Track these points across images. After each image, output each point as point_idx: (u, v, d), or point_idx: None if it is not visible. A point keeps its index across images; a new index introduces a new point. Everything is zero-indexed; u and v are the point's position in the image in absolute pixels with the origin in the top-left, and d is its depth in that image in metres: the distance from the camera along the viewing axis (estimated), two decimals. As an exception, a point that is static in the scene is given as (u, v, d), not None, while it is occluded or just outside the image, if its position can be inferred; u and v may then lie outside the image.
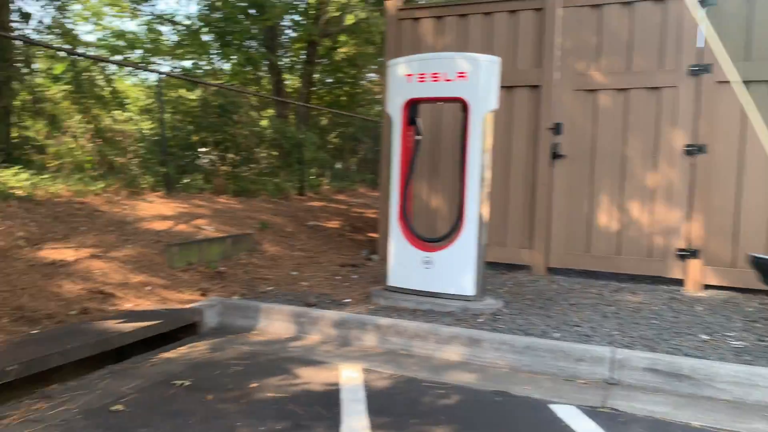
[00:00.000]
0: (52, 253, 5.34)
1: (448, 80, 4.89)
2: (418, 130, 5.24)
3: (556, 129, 6.49)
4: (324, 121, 18.33)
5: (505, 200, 6.74)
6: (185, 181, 9.07)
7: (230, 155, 10.73)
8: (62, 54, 14.21)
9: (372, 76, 22.85)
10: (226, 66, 17.96)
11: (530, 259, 6.64)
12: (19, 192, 6.52)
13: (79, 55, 10.85)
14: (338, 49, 19.12)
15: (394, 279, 5.17)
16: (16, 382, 3.38)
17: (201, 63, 17.51)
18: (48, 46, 10.48)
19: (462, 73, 4.83)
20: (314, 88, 19.05)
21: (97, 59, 11.26)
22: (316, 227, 8.65)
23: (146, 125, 12.12)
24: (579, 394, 3.62)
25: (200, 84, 11.92)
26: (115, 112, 12.52)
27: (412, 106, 5.14)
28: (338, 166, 16.54)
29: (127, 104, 14.18)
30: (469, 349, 4.20)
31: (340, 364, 4.05)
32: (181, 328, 4.74)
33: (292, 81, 20.00)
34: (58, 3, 12.31)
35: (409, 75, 5.02)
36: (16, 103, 10.15)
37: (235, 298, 5.27)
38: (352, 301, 5.19)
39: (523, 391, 3.62)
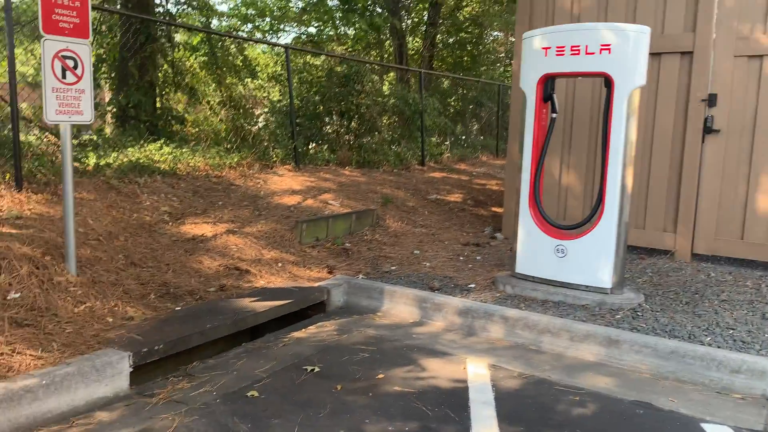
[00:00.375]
0: (192, 228, 5.67)
1: (590, 53, 4.47)
2: (553, 106, 4.87)
3: (710, 100, 5.80)
4: (445, 84, 17.96)
5: (646, 179, 6.19)
6: (313, 152, 9.26)
7: (354, 125, 10.82)
8: (199, 26, 14.95)
9: (496, 34, 21.98)
10: (350, 32, 18.08)
11: (673, 243, 6.09)
12: (163, 166, 6.97)
13: (214, 32, 11.31)
14: (462, 9, 18.51)
15: (522, 266, 4.94)
16: (161, 359, 3.63)
17: (325, 30, 17.71)
18: (187, 27, 11.02)
19: (606, 45, 4.39)
20: (436, 50, 18.66)
21: (228, 35, 11.67)
22: (438, 201, 8.52)
23: (275, 93, 12.51)
24: (735, 412, 3.25)
25: (325, 55, 12.00)
26: (247, 80, 13.07)
27: (548, 82, 4.78)
28: (459, 131, 16.19)
29: (257, 72, 14.74)
30: (605, 350, 3.92)
31: (466, 357, 3.94)
32: (310, 306, 4.87)
33: (413, 43, 19.74)
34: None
35: (546, 48, 4.66)
36: (159, 75, 10.85)
37: (360, 277, 5.31)
38: (476, 287, 5.04)
39: (668, 404, 3.32)
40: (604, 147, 4.53)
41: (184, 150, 7.70)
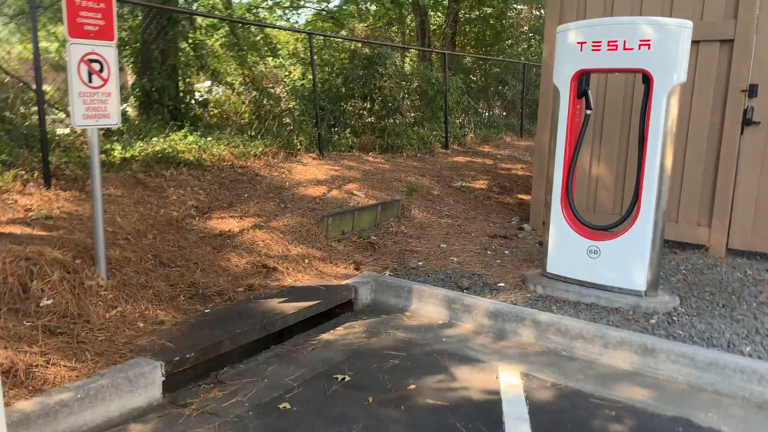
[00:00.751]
0: (219, 223, 5.66)
1: (627, 49, 4.29)
2: (588, 103, 4.72)
3: (751, 91, 5.57)
4: (467, 62, 17.63)
5: (680, 171, 6.01)
6: (336, 137, 9.17)
7: (376, 108, 10.68)
8: (220, 6, 14.77)
9: (520, 7, 21.46)
10: (372, 7, 17.77)
11: (707, 238, 5.93)
12: (188, 156, 6.95)
13: (236, 21, 11.19)
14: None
15: (554, 266, 4.84)
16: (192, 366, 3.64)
17: (348, 7, 17.44)
18: (208, 15, 10.91)
19: (645, 41, 4.21)
20: (458, 26, 18.29)
21: (250, 23, 11.54)
22: (463, 189, 8.40)
23: (296, 72, 12.37)
24: (777, 429, 3.17)
25: (348, 40, 11.80)
26: (268, 59, 12.95)
27: (583, 78, 4.61)
28: (482, 110, 15.93)
29: (278, 50, 14.60)
30: (640, 358, 3.84)
31: (497, 364, 3.89)
32: (338, 305, 4.85)
33: (435, 19, 19.36)
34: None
35: (581, 42, 4.48)
36: (181, 57, 10.79)
37: (387, 274, 5.27)
38: (506, 286, 4.96)
39: (708, 420, 3.24)
40: (641, 147, 4.38)
41: (208, 138, 7.66)
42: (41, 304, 3.71)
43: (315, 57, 9.97)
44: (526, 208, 7.53)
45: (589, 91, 4.69)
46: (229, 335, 3.90)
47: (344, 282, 5.05)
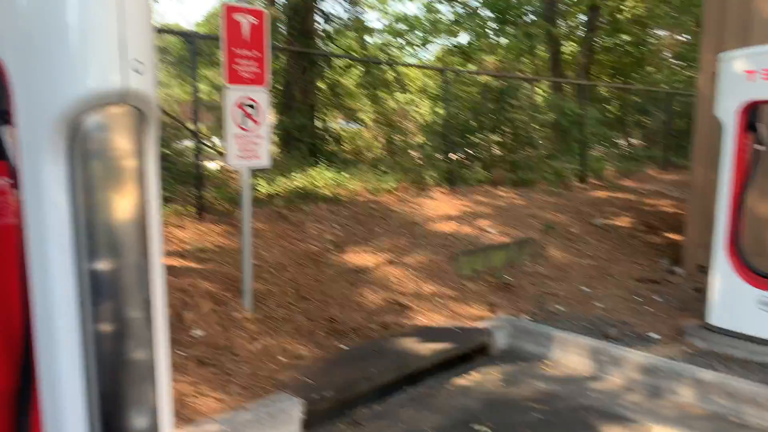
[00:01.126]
0: (354, 257, 5.74)
1: (809, 77, 3.81)
2: (759, 137, 4.23)
3: None
4: (604, 91, 16.87)
5: None
6: (466, 172, 9.08)
7: (508, 142, 10.47)
8: (355, 46, 15.37)
9: (662, 33, 20.26)
10: (502, 40, 17.65)
11: None
12: (326, 191, 7.18)
13: (375, 61, 11.59)
14: (624, 11, 17.28)
15: (717, 317, 4.34)
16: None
17: (478, 41, 17.45)
18: (347, 57, 11.41)
19: (833, 67, 3.71)
20: (594, 55, 17.61)
21: (387, 63, 11.87)
22: (604, 226, 7.91)
23: (425, 107, 12.48)
24: None
25: (484, 74, 11.76)
26: (398, 94, 13.21)
27: (753, 110, 4.16)
28: (621, 142, 15.09)
29: (408, 86, 14.89)
30: (833, 435, 3.29)
31: (652, 425, 3.52)
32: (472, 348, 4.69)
33: (569, 47, 18.80)
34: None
35: (751, 72, 4.05)
36: (318, 96, 11.33)
37: (524, 318, 5.02)
38: (659, 337, 4.53)
39: None
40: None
41: (344, 174, 7.89)
42: (193, 335, 3.92)
43: (445, 91, 10.04)
44: (677, 249, 6.91)
45: (760, 125, 4.21)
46: (365, 375, 3.88)
47: (479, 325, 4.88)
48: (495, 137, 10.46)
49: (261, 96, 4.19)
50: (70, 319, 1.10)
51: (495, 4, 14.74)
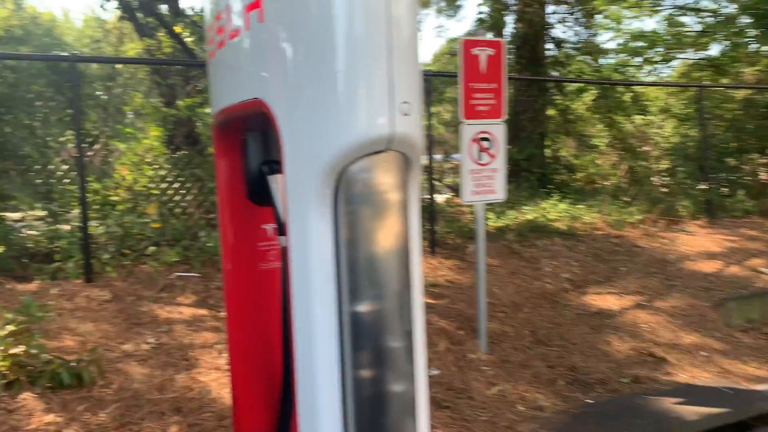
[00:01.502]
0: (595, 299, 5.23)
1: None
2: None
3: None
4: None
5: None
6: (728, 201, 7.85)
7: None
8: (586, 69, 14.61)
9: None
10: (765, 48, 15.24)
11: None
12: (559, 225, 6.76)
13: (614, 83, 10.88)
14: None
15: None
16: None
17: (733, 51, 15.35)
18: (584, 81, 10.85)
19: None
20: None
21: (627, 83, 11.06)
22: None
23: (669, 128, 11.25)
24: None
25: (740, 87, 10.23)
26: (636, 117, 12.09)
27: None
28: None
29: (648, 106, 13.57)
30: None
31: None
32: (753, 416, 3.87)
33: None
34: (585, 22, 12.66)
35: None
36: (548, 124, 10.90)
37: (823, 383, 4.02)
38: None
39: None
40: None
41: (579, 206, 7.37)
42: (430, 373, 3.85)
43: (698, 110, 8.86)
44: None
45: None
46: (617, 437, 3.40)
47: (758, 387, 4.04)
48: (762, 159, 8.94)
49: (497, 129, 4.04)
50: (330, 360, 1.07)
51: (756, 7, 12.78)
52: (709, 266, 5.83)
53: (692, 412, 3.69)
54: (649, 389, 4.02)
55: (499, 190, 4.10)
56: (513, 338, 4.44)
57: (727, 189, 8.37)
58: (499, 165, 4.08)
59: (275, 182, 1.54)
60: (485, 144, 4.02)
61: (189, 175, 5.73)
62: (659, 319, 4.93)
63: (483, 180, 4.03)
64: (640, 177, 9.37)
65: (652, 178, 9.00)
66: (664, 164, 9.52)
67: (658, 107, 14.09)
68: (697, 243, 6.44)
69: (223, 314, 4.38)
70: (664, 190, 8.14)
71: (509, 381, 3.97)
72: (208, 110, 6.85)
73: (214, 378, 3.52)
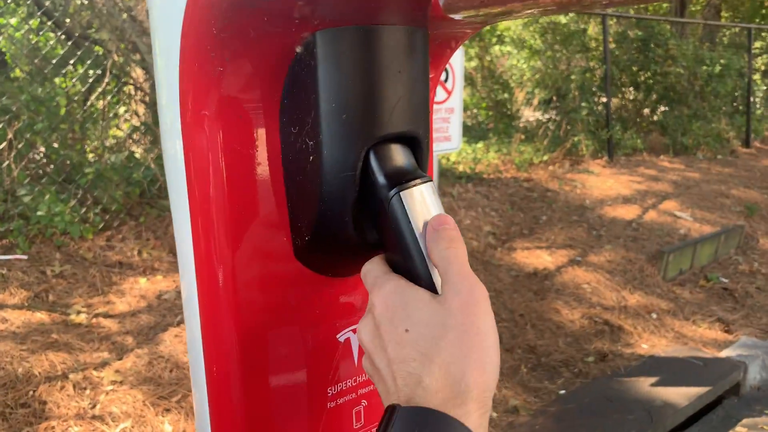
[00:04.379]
0: (527, 256, 4.63)
1: None
2: None
3: None
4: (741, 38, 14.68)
5: None
6: (619, 138, 7.68)
7: (652, 99, 8.93)
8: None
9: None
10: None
11: None
12: (462, 167, 6.07)
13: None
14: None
15: None
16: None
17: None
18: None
19: None
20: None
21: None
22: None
23: (518, 59, 10.97)
24: None
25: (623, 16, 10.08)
26: (495, 47, 11.70)
27: None
28: None
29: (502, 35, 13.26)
30: None
31: None
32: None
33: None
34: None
35: None
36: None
37: (775, 341, 3.80)
38: None
39: None
40: None
41: (478, 145, 6.73)
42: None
43: (571, 43, 8.55)
44: None
45: None
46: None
47: (722, 354, 3.70)
48: (638, 95, 8.96)
49: (456, 56, 3.06)
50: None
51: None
52: (627, 212, 5.50)
53: (674, 393, 3.23)
54: (618, 368, 3.50)
55: (455, 137, 3.17)
56: (459, 317, 3.66)
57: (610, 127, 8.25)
58: (455, 104, 3.13)
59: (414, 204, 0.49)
60: (441, 75, 3.02)
61: (-3, 109, 4.05)
62: (599, 277, 4.46)
63: (438, 123, 3.06)
64: (502, 110, 8.87)
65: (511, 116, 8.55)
66: (541, 96, 9.16)
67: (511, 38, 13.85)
68: (606, 185, 6.12)
69: (77, 317, 3.04)
70: (566, 128, 7.77)
71: (470, 377, 3.20)
72: (12, 20, 5.00)
73: (75, 436, 2.30)
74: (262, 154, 0.55)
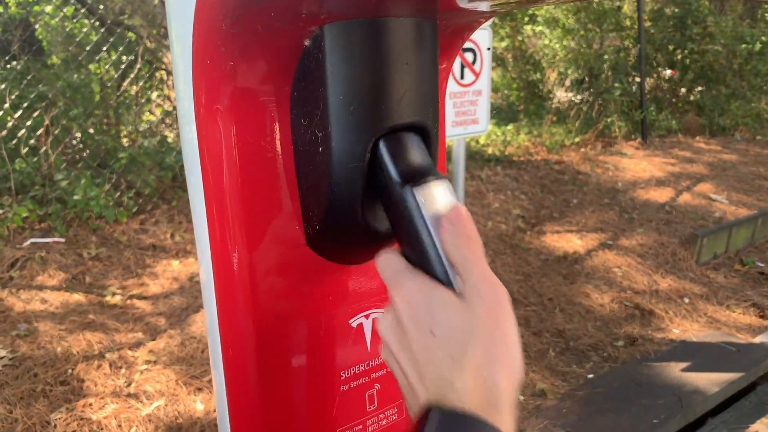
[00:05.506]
0: (557, 240, 4.59)
1: None
2: None
3: None
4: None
5: None
6: (653, 119, 7.50)
7: (688, 79, 8.67)
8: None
9: None
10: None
11: None
12: (491, 150, 6.01)
13: None
14: None
15: None
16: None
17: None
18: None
19: None
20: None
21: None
22: None
23: (553, 41, 10.76)
24: None
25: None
26: (527, 27, 11.49)
27: None
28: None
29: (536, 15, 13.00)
30: None
31: None
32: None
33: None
34: None
35: None
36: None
37: (814, 328, 3.70)
38: None
39: None
40: None
41: (507, 127, 6.66)
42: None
43: (605, 22, 8.32)
44: None
45: None
46: (637, 423, 2.78)
47: (756, 340, 3.62)
48: (678, 76, 8.71)
49: (483, 35, 3.02)
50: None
51: None
52: (660, 195, 5.39)
53: (706, 379, 3.18)
54: (648, 353, 3.46)
55: (482, 120, 3.15)
56: (487, 300, 3.66)
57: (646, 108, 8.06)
58: (483, 86, 3.09)
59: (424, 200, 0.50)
60: (468, 56, 3.00)
61: (36, 96, 4.16)
62: (629, 260, 4.40)
63: (465, 106, 3.04)
64: (541, 93, 8.73)
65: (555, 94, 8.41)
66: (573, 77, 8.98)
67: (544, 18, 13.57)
68: (639, 167, 6.00)
69: (113, 298, 3.14)
70: (599, 109, 7.63)
71: (497, 360, 3.21)
72: (48, 8, 5.11)
73: (111, 413, 2.38)
74: (274, 146, 0.56)
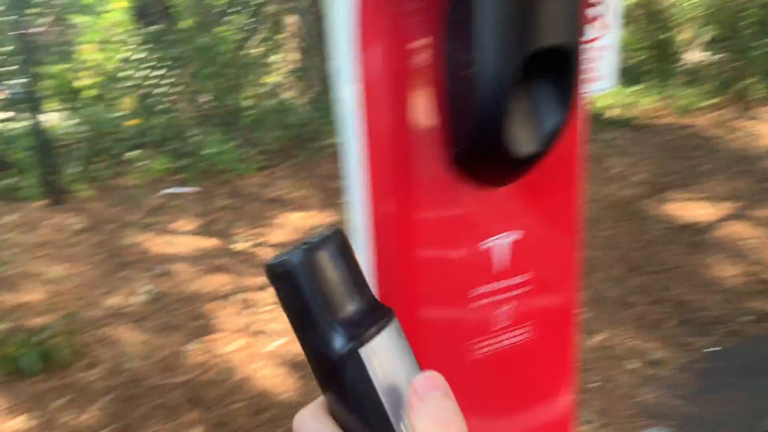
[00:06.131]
0: (680, 208, 4.32)
1: None
2: None
3: None
4: None
5: None
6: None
7: None
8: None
9: None
10: None
11: None
12: (615, 112, 5.71)
13: None
14: None
15: None
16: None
17: None
18: None
19: None
20: None
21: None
22: None
23: None
24: None
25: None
26: None
27: None
28: None
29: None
30: None
31: None
32: None
33: None
34: None
35: None
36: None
37: None
38: None
39: None
40: None
41: (634, 88, 6.28)
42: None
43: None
44: None
45: None
46: (758, 402, 2.62)
47: None
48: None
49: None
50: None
51: None
52: (805, 164, 4.90)
53: None
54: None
55: (609, 76, 3.00)
56: (602, 266, 3.56)
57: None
58: (611, 41, 2.94)
59: None
60: (597, 9, 2.85)
61: (171, 57, 4.50)
62: (762, 233, 4.06)
63: (590, 63, 2.91)
64: (672, 51, 8.04)
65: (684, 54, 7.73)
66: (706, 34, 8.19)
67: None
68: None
69: (240, 245, 3.39)
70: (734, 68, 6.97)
71: (611, 326, 3.13)
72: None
73: (237, 348, 2.61)
74: (430, 68, 0.60)
